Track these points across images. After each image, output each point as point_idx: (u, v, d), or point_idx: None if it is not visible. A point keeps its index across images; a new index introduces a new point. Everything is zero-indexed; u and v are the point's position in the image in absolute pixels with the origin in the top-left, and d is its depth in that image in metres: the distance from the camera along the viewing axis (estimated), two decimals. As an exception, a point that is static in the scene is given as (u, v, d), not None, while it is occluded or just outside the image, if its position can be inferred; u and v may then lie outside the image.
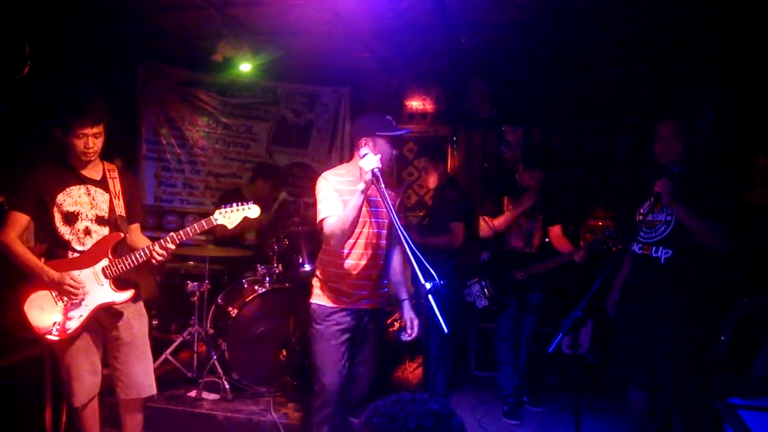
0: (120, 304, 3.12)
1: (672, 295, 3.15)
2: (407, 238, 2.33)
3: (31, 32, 4.06)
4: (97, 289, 3.04)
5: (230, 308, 4.47)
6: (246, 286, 4.68)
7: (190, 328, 4.62)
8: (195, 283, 4.57)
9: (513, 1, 4.04)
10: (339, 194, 2.96)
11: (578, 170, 5.79)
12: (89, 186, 3.11)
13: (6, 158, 4.15)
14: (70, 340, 3.03)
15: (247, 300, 4.42)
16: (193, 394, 4.29)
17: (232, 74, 5.61)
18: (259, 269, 4.69)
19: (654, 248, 3.22)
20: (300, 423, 3.93)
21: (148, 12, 4.51)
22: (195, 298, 4.57)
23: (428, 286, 2.10)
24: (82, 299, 3.01)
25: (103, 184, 3.15)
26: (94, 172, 3.15)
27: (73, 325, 3.00)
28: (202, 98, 5.95)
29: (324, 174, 3.05)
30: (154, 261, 3.07)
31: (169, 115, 5.86)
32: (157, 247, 3.05)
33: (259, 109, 6.16)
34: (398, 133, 2.98)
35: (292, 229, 4.97)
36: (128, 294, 3.12)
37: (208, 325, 4.66)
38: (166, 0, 4.22)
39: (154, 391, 3.28)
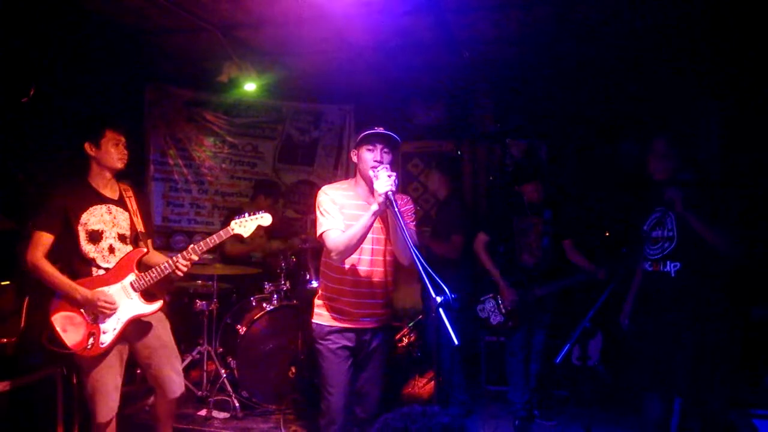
0: (150, 315, 3.22)
1: (686, 305, 3.14)
2: (418, 254, 2.30)
3: (38, 54, 4.13)
4: (127, 302, 3.14)
5: (239, 326, 4.48)
6: (254, 303, 4.68)
7: (199, 347, 4.63)
8: (203, 302, 4.58)
9: (513, 17, 4.08)
10: (339, 207, 2.95)
11: (585, 182, 5.77)
12: (110, 205, 3.21)
13: (14, 179, 4.21)
14: (100, 355, 3.09)
15: (256, 318, 4.42)
16: (203, 412, 4.29)
17: (237, 94, 5.68)
18: (267, 287, 4.70)
19: (662, 263, 3.21)
20: (310, 440, 3.92)
21: (156, 34, 4.59)
22: (204, 317, 4.58)
23: (439, 300, 2.10)
24: (113, 314, 3.10)
25: (121, 203, 3.27)
26: (111, 191, 3.26)
27: (107, 339, 3.08)
28: (208, 118, 6.01)
29: (323, 188, 3.04)
30: (178, 273, 3.18)
31: (176, 136, 5.92)
32: (181, 259, 3.16)
33: (264, 128, 6.21)
34: (367, 132, 2.91)
35: (298, 246, 4.99)
36: (158, 305, 3.23)
37: (217, 344, 4.67)
38: (173, 22, 4.29)
39: (183, 388, 3.41)
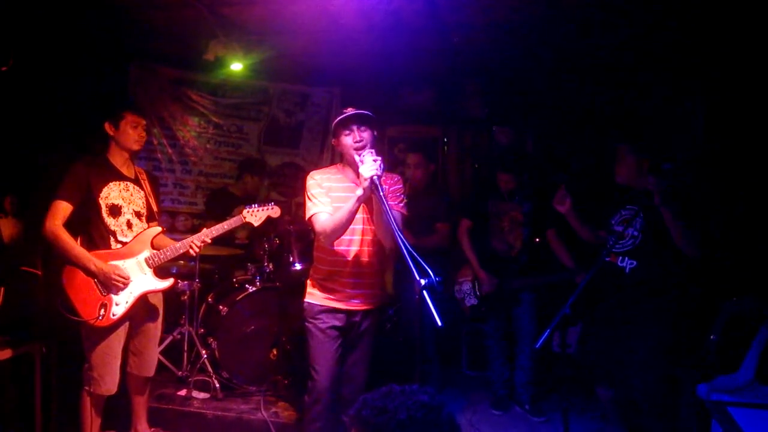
0: (162, 290, 3.40)
1: (634, 302, 3.29)
2: (401, 236, 2.32)
3: (20, 30, 4.05)
4: (140, 277, 3.27)
5: (221, 307, 4.46)
6: (237, 284, 4.67)
7: (180, 327, 4.60)
8: (185, 282, 4.55)
9: (504, 2, 4.06)
10: (326, 191, 2.99)
11: (570, 172, 5.77)
12: (127, 183, 3.35)
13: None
14: (110, 327, 3.17)
15: (238, 299, 4.41)
16: (182, 393, 4.28)
17: (223, 74, 5.60)
18: (250, 268, 4.68)
19: (620, 258, 3.32)
20: (290, 422, 3.93)
21: (140, 11, 4.50)
22: (185, 297, 4.56)
23: (423, 282, 2.10)
24: (126, 288, 3.20)
25: (137, 182, 3.41)
26: (128, 171, 3.40)
27: (119, 311, 3.18)
28: (193, 98, 5.92)
29: (311, 173, 3.10)
30: (192, 252, 3.36)
31: (160, 115, 5.83)
32: (195, 240, 3.33)
33: (250, 108, 6.14)
34: (339, 118, 2.93)
35: (283, 228, 4.96)
36: (169, 282, 3.39)
37: (199, 324, 4.64)
38: (158, -2, 4.21)
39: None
